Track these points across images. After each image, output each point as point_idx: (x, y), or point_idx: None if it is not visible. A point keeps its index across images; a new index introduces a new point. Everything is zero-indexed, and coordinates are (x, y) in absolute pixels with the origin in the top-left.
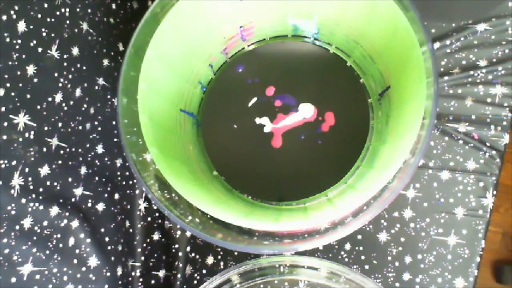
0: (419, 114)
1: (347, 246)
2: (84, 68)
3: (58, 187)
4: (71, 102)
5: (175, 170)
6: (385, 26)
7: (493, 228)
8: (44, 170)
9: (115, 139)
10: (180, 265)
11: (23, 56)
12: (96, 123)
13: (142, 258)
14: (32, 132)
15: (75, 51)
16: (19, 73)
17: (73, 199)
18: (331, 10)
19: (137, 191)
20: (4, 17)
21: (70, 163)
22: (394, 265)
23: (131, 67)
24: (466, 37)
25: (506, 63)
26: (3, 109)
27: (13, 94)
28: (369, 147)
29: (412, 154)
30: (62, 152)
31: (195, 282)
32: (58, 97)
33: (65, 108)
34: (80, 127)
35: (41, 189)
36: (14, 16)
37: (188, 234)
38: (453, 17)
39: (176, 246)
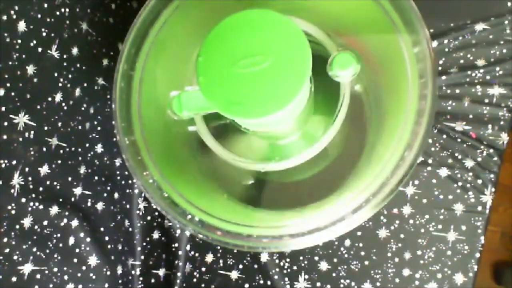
0: (407, 111)
1: (347, 243)
2: (84, 68)
3: (58, 187)
4: (71, 102)
5: (173, 169)
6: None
7: (492, 228)
8: (44, 170)
9: (115, 139)
10: (180, 263)
11: (23, 56)
12: (95, 122)
13: (142, 257)
14: (32, 132)
15: (75, 51)
16: (19, 73)
17: (72, 199)
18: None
19: (136, 190)
20: (4, 17)
21: (69, 162)
22: (394, 261)
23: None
24: (464, 36)
25: (504, 64)
26: (3, 109)
27: (13, 94)
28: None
29: (410, 151)
30: (61, 151)
31: (195, 280)
32: (58, 97)
33: (65, 108)
34: (80, 127)
35: (41, 189)
36: (14, 16)
37: (188, 232)
38: (452, 16)
39: (176, 244)
